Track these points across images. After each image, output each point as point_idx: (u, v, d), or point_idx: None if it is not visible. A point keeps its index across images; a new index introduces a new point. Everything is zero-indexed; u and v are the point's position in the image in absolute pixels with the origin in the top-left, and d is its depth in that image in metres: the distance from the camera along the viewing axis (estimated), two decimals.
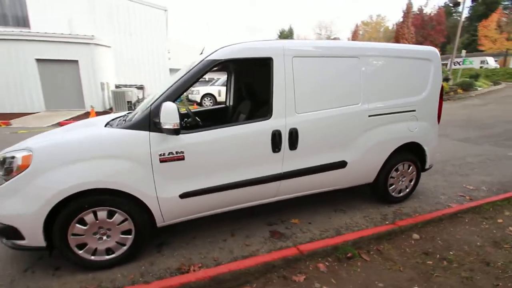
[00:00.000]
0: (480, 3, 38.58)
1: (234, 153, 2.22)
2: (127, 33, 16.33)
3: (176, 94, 2.06)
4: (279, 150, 2.33)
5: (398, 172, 3.08)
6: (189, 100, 14.16)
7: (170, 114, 1.86)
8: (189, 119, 2.73)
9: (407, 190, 3.23)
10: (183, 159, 2.05)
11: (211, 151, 2.15)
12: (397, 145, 2.93)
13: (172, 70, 18.62)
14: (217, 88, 13.43)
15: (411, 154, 3.09)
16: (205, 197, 2.18)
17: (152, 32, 16.80)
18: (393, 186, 3.11)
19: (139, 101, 13.43)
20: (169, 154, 2.02)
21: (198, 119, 2.61)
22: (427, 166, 3.26)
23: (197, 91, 13.28)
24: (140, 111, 2.17)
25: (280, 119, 2.32)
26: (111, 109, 12.03)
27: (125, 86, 14.22)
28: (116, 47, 15.23)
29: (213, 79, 16.52)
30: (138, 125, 1.99)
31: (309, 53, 2.41)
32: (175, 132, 1.90)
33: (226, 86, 3.88)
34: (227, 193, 2.24)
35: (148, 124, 1.99)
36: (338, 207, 3.08)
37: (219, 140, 2.16)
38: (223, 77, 14.54)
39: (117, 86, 14.13)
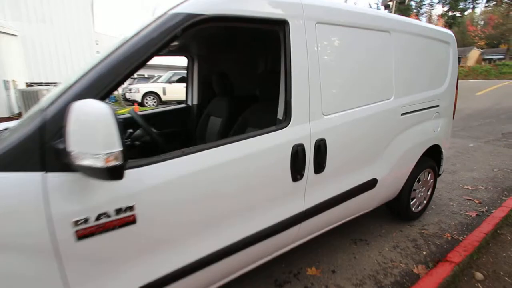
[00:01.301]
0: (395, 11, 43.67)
1: (230, 194, 1.23)
2: (40, 20, 13.26)
3: (105, 83, 0.94)
4: (301, 176, 1.42)
5: (420, 183, 2.47)
6: (126, 100, 12.13)
7: (94, 129, 0.76)
8: (137, 132, 1.61)
9: (425, 202, 2.66)
10: (132, 222, 0.98)
11: (187, 196, 1.11)
12: (424, 150, 2.30)
13: None
14: (161, 85, 11.74)
15: (430, 159, 2.50)
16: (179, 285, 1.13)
17: (74, 21, 13.96)
18: (414, 199, 2.49)
19: None
20: (99, 218, 0.91)
21: (155, 132, 1.51)
22: (441, 171, 2.75)
23: (137, 89, 11.41)
24: (22, 124, 0.98)
25: (302, 126, 1.41)
26: (20, 114, 9.44)
27: (40, 84, 11.50)
28: (26, 37, 12.24)
29: (154, 76, 14.64)
30: (13, 160, 0.84)
31: (336, 18, 1.52)
32: (114, 173, 0.79)
33: (187, 76, 2.78)
34: (218, 266, 1.23)
35: (39, 155, 0.85)
36: (355, 236, 2.32)
37: (203, 173, 1.14)
38: (165, 74, 12.86)
39: (28, 85, 11.34)
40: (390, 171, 2.01)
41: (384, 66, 1.84)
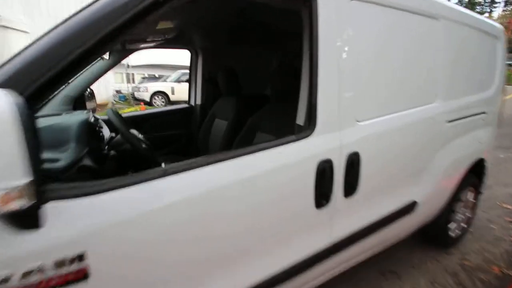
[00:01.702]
0: None
1: (227, 233, 0.88)
2: (52, 16, 13.31)
3: (35, 72, 0.59)
4: (327, 200, 1.07)
5: (461, 203, 2.08)
6: (135, 99, 12.01)
7: None
8: (117, 138, 1.26)
9: (464, 225, 2.25)
10: (82, 278, 0.65)
11: (166, 237, 0.78)
12: (469, 165, 1.91)
13: (121, 65, 15.98)
14: (169, 84, 11.55)
15: (473, 175, 2.11)
16: None
17: None
18: (453, 222, 2.10)
19: None
20: (27, 275, 0.58)
21: (140, 137, 1.19)
22: (483, 189, 2.34)
23: (145, 88, 11.26)
24: None
25: (331, 135, 1.06)
26: None
27: None
28: (37, 34, 12.27)
29: (163, 75, 14.51)
30: None
31: None
32: (21, 220, 0.47)
33: (190, 73, 2.46)
34: None
35: None
36: (383, 266, 1.93)
37: (189, 204, 0.80)
38: (174, 73, 12.68)
39: None
40: (431, 192, 1.63)
41: (430, 61, 1.47)
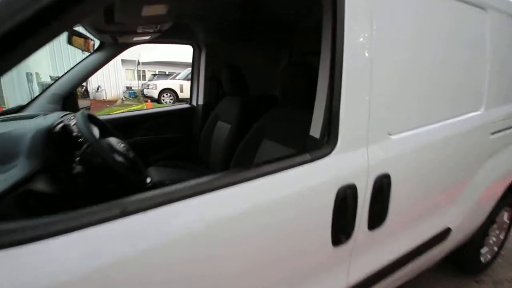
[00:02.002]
0: None
1: (230, 272, 0.67)
2: None
3: None
4: (347, 236, 0.84)
5: (496, 225, 1.81)
6: (144, 96, 11.96)
7: None
8: (85, 150, 1.01)
9: (496, 249, 1.97)
10: None
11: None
12: (510, 182, 1.64)
13: (125, 62, 16.05)
14: (178, 82, 11.43)
15: (510, 193, 1.83)
16: None
17: None
18: (485, 247, 1.83)
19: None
20: None
21: (122, 152, 0.97)
22: None
23: (154, 85, 11.18)
24: None
25: (356, 153, 0.82)
26: None
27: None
28: None
29: (174, 72, 14.42)
30: None
31: None
32: None
33: (192, 70, 2.26)
34: None
35: None
36: None
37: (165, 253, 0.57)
38: (184, 71, 12.56)
39: (52, 78, 11.48)
40: (467, 215, 1.37)
41: (476, 59, 1.21)
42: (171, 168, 1.89)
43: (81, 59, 1.79)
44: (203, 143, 2.03)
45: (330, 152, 0.77)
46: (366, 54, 0.80)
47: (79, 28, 1.49)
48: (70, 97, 1.77)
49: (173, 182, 0.62)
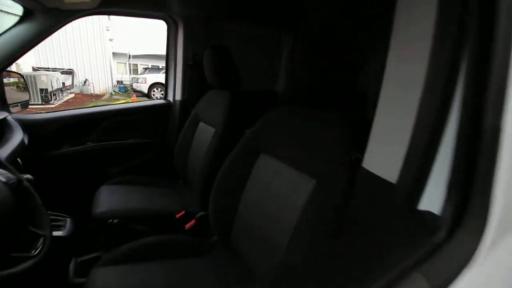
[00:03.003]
0: None
1: None
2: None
3: None
4: None
5: None
6: (134, 91, 11.34)
7: None
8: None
9: None
10: None
11: None
12: None
13: (116, 55, 15.31)
14: None
15: None
16: None
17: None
18: None
19: (62, 89, 10.30)
20: None
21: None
22: None
23: (144, 79, 10.60)
24: None
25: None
26: None
27: (47, 69, 10.90)
28: None
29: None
30: None
31: None
32: None
33: (168, 55, 1.73)
34: None
35: None
36: None
37: None
38: None
39: (34, 69, 10.82)
40: None
41: None
42: (131, 185, 1.38)
43: None
44: (180, 151, 1.52)
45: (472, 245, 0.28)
46: None
47: None
48: None
49: None
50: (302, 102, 0.85)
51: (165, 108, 1.72)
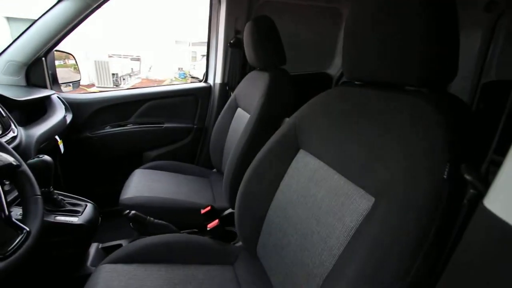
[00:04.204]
0: None
1: None
2: None
3: None
4: None
5: None
6: (192, 77, 11.87)
7: None
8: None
9: None
10: None
11: None
12: None
13: (179, 42, 16.18)
14: None
15: None
16: None
17: None
18: None
19: (131, 74, 11.33)
20: None
21: None
22: None
23: (200, 66, 10.95)
24: None
25: None
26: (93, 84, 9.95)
27: (119, 56, 12.13)
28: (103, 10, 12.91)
29: None
30: None
31: None
32: None
33: (209, 34, 1.60)
34: None
35: None
36: None
37: None
38: None
39: (110, 56, 12.12)
40: None
41: None
42: (164, 171, 1.32)
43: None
44: (216, 139, 1.40)
45: None
46: None
47: None
48: (35, 65, 1.29)
49: None
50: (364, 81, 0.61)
51: (205, 91, 1.61)
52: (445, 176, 0.36)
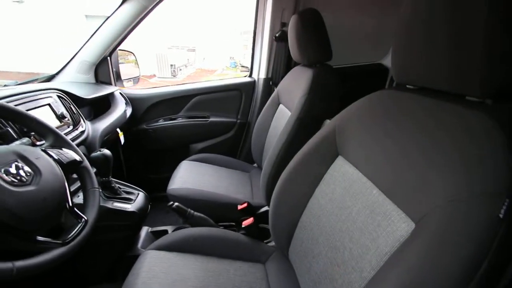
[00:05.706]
0: None
1: None
2: None
3: None
4: None
5: None
6: (242, 66, 12.04)
7: None
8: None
9: None
10: None
11: None
12: None
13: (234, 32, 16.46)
14: None
15: None
16: None
17: None
18: None
19: (186, 65, 11.98)
20: None
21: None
22: None
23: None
24: None
25: None
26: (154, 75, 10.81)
27: (177, 48, 12.90)
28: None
29: None
30: None
31: None
32: None
33: (256, 27, 1.59)
34: None
35: None
36: None
37: None
38: None
39: (169, 48, 12.96)
40: None
41: None
42: (207, 163, 1.39)
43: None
44: (258, 134, 1.42)
45: None
46: None
47: None
48: (102, 64, 1.45)
49: None
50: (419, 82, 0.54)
51: (249, 86, 1.62)
52: (501, 215, 0.31)
